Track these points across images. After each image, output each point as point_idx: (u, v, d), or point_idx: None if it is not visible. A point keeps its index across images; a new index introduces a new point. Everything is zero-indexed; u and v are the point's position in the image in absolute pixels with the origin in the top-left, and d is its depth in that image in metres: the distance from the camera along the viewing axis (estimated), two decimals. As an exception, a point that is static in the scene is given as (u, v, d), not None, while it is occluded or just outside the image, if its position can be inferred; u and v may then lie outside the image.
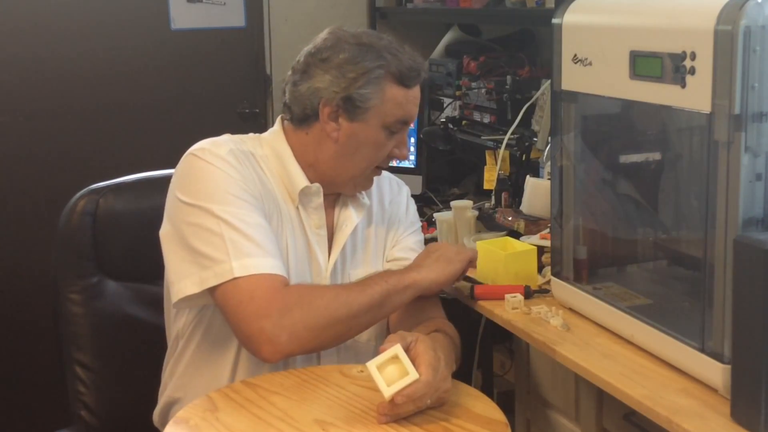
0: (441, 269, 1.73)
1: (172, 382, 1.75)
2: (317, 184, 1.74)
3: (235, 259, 1.54)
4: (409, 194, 1.96)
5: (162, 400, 1.78)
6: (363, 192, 1.83)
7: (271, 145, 1.76)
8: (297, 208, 1.74)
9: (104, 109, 3.13)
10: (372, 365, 1.40)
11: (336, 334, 1.58)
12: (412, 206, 1.95)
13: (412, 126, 2.86)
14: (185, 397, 1.70)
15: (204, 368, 1.71)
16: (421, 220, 2.11)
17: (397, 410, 1.41)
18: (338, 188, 1.79)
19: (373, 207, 1.86)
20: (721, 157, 1.40)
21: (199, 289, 1.56)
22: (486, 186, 2.63)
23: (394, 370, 1.41)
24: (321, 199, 1.75)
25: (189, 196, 1.61)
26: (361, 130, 1.71)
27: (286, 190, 1.74)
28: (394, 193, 1.92)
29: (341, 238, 1.78)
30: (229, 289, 1.54)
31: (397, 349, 1.41)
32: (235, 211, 1.59)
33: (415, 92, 1.75)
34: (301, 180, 1.73)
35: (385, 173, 1.90)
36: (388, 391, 1.38)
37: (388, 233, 1.87)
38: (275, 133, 1.79)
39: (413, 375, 1.39)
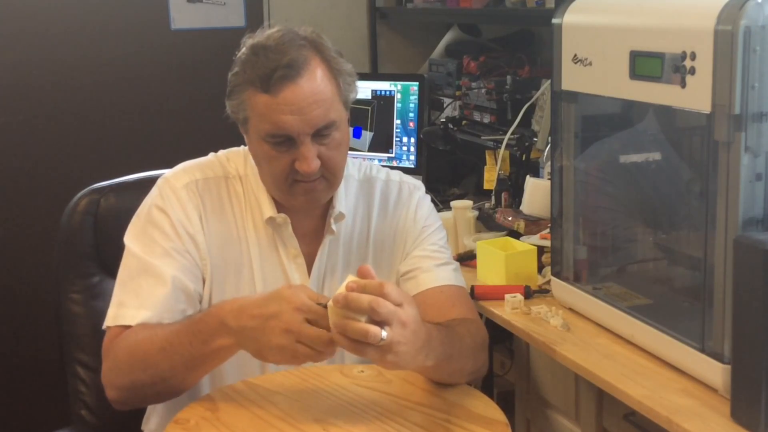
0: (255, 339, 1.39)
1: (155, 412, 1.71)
2: (283, 215, 1.64)
3: (113, 306, 1.60)
4: (422, 198, 1.77)
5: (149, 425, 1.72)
6: (347, 209, 1.70)
7: (252, 161, 1.68)
8: (273, 235, 1.66)
9: (104, 108, 3.13)
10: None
11: (139, 382, 1.52)
12: (423, 210, 1.76)
13: (411, 125, 2.95)
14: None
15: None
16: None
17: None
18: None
19: (372, 221, 1.73)
20: (721, 157, 1.40)
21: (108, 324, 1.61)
22: (486, 186, 2.63)
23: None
24: (290, 229, 1.65)
25: (131, 225, 1.65)
26: (250, 143, 1.62)
27: (260, 217, 1.66)
28: (402, 201, 1.75)
29: (318, 265, 1.68)
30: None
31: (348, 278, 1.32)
32: (145, 258, 1.59)
33: (285, 98, 1.51)
34: (267, 209, 1.65)
35: (397, 177, 1.78)
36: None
37: (395, 246, 1.73)
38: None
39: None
